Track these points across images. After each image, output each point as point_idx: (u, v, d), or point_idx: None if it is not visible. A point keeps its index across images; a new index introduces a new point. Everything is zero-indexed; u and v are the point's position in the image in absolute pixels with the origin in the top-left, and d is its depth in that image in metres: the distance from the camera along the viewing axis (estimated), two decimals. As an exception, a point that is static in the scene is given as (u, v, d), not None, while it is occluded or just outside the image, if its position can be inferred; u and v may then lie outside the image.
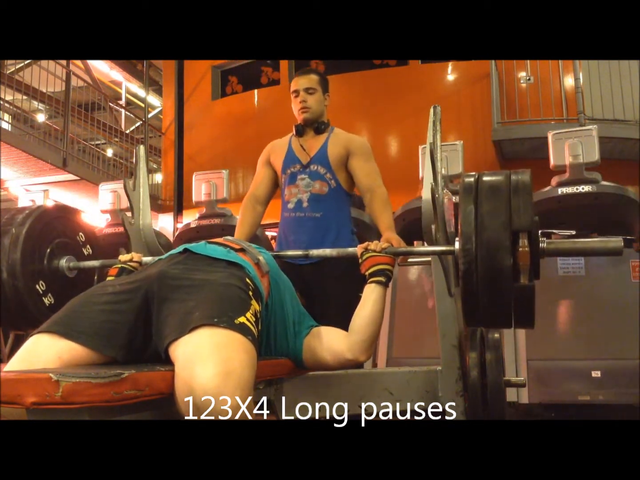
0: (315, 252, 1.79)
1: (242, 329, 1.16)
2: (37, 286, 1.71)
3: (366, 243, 1.62)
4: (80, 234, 1.92)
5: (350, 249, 1.71)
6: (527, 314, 1.34)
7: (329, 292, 2.05)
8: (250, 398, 1.07)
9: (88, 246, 1.93)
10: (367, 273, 1.58)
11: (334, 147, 2.18)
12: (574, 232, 3.83)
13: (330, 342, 1.54)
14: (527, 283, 1.23)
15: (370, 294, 1.56)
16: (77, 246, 1.89)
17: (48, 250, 1.76)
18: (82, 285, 1.84)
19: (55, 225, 1.81)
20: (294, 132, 2.27)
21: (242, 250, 1.50)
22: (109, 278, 1.72)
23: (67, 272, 1.81)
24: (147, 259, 1.79)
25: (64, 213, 1.88)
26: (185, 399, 1.02)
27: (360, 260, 1.61)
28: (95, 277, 1.96)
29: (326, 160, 2.17)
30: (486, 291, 1.24)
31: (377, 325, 1.55)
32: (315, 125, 2.22)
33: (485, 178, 1.33)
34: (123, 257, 1.79)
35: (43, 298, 1.72)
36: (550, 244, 1.33)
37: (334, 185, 2.16)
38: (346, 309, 2.17)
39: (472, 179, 1.35)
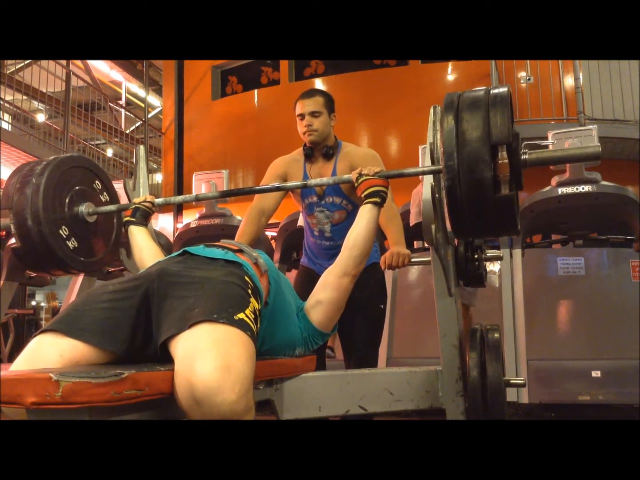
0: (312, 182, 1.88)
1: (241, 325, 1.17)
2: (61, 231, 1.82)
3: (359, 168, 1.68)
4: (97, 182, 2.01)
5: (346, 176, 1.76)
6: (510, 223, 1.39)
7: (356, 306, 2.04)
8: (250, 392, 1.07)
9: (105, 193, 2.03)
10: (362, 195, 1.64)
11: (342, 171, 2.16)
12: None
13: (320, 282, 1.63)
14: (508, 193, 1.29)
15: (366, 214, 1.62)
16: (95, 193, 1.99)
17: (68, 197, 1.87)
18: (103, 229, 2.00)
19: (72, 174, 1.91)
20: (304, 155, 2.24)
21: (240, 251, 1.52)
22: (125, 219, 1.85)
23: (86, 217, 1.91)
24: (160, 201, 1.91)
25: (80, 162, 1.97)
26: (186, 394, 1.02)
27: (355, 184, 1.67)
28: (115, 221, 2.07)
29: (339, 189, 2.16)
30: (469, 203, 1.32)
31: (369, 242, 1.62)
32: (324, 150, 2.19)
33: (466, 95, 1.40)
34: (137, 199, 1.90)
35: (67, 242, 1.83)
36: (531, 155, 1.40)
37: (351, 208, 2.16)
38: (373, 325, 2.22)
39: (454, 96, 1.40)
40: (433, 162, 1.51)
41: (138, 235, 1.81)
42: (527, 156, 1.38)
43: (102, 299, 1.30)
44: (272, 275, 1.53)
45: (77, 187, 1.90)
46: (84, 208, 1.89)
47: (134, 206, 1.86)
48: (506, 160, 1.28)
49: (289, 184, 2.01)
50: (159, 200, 1.90)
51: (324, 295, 1.59)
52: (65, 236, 1.82)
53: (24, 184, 1.76)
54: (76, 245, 1.86)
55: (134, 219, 1.83)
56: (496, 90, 1.37)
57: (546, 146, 3.51)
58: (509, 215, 1.35)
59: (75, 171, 1.91)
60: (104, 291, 1.33)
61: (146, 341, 1.27)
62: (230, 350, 1.09)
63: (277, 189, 1.85)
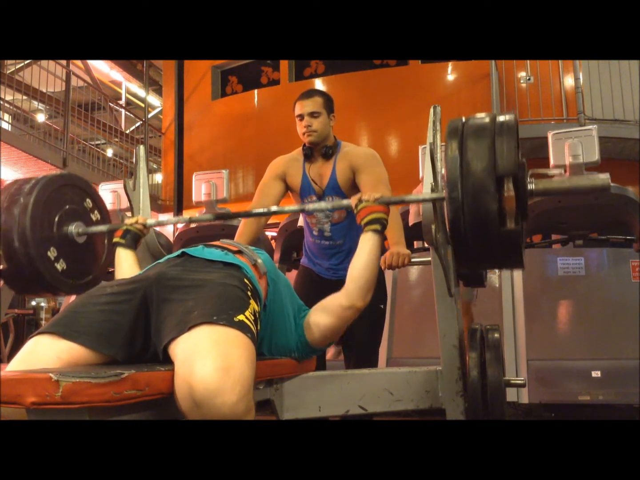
0: (310, 206, 1.89)
1: (241, 327, 1.17)
2: (49, 252, 1.74)
3: (359, 194, 1.63)
4: (87, 200, 1.95)
5: (345, 201, 1.71)
6: (514, 257, 1.34)
7: None
8: (250, 393, 1.07)
9: (96, 212, 1.97)
10: (362, 223, 1.58)
11: (342, 171, 2.16)
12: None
13: (325, 304, 1.56)
14: (514, 227, 1.24)
15: (367, 242, 1.57)
16: (85, 212, 1.93)
17: (57, 217, 1.80)
18: (93, 250, 1.93)
19: (62, 193, 1.85)
20: (303, 155, 2.24)
21: (239, 252, 1.51)
22: (114, 240, 1.79)
23: (76, 237, 1.84)
24: (152, 222, 1.86)
25: (70, 180, 1.91)
26: (185, 396, 1.02)
27: (355, 211, 1.61)
28: (105, 242, 2.00)
29: (338, 188, 2.16)
30: (473, 237, 1.26)
31: (373, 272, 1.56)
32: (323, 150, 2.19)
33: (471, 122, 1.34)
34: (128, 220, 1.84)
35: (55, 264, 1.76)
36: (538, 185, 1.34)
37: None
38: (373, 325, 2.19)
39: (458, 122, 1.34)
40: (433, 164, 1.50)
41: (124, 260, 1.76)
42: (533, 186, 1.33)
43: (99, 301, 1.30)
44: (271, 276, 1.52)
45: (66, 206, 1.83)
46: (73, 228, 1.82)
47: (125, 227, 1.80)
48: (512, 193, 1.22)
49: (287, 207, 1.97)
50: (151, 222, 1.86)
51: (325, 320, 1.54)
52: (53, 258, 1.75)
53: (12, 203, 1.69)
54: (65, 268, 1.78)
55: (123, 241, 1.77)
56: (502, 118, 1.32)
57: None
58: (514, 249, 1.30)
59: (65, 189, 1.84)
60: (101, 293, 1.33)
61: (145, 345, 1.27)
62: (230, 351, 1.09)
63: (274, 213, 1.82)
